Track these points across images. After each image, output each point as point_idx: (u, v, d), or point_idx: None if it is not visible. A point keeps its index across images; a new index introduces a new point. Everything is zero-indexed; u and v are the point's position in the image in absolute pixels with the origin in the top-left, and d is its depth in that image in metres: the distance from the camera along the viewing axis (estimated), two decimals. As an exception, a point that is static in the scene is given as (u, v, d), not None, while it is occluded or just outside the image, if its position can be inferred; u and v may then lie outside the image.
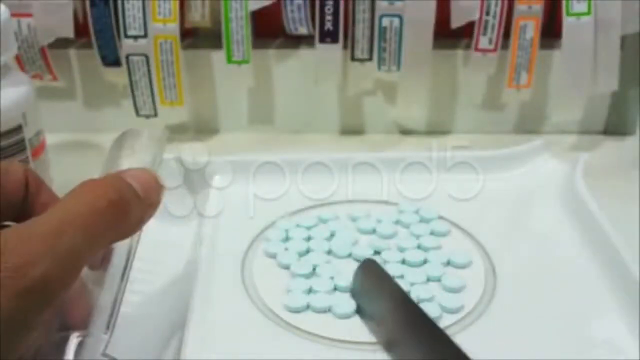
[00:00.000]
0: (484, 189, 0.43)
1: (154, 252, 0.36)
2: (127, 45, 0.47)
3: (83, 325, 0.23)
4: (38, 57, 0.49)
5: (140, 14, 0.47)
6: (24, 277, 0.20)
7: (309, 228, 0.39)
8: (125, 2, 0.46)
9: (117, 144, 0.31)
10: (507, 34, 0.48)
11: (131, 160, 0.29)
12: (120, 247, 0.26)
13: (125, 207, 0.24)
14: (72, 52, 0.52)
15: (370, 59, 0.50)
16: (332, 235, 0.39)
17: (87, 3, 0.47)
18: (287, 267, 0.36)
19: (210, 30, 0.51)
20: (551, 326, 0.32)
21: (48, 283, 0.20)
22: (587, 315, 0.33)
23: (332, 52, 0.49)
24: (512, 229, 0.41)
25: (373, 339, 0.31)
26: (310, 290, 0.34)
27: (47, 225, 0.21)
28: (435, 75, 0.51)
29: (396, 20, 0.48)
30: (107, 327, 0.23)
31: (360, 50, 0.50)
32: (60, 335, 0.22)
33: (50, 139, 0.40)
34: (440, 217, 0.40)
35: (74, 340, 0.22)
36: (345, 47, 0.49)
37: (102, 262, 0.25)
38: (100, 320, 0.23)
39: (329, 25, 0.48)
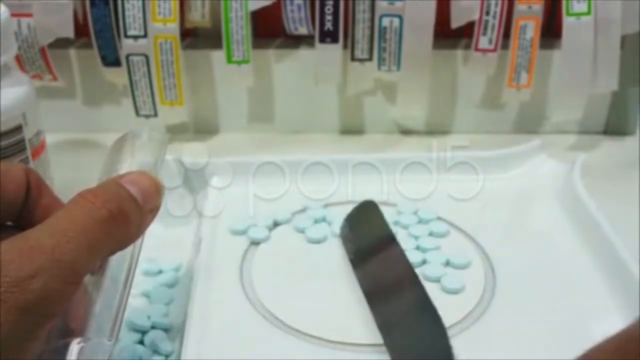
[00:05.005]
0: (483, 190, 0.43)
1: (154, 253, 0.36)
2: (127, 45, 0.47)
3: (83, 329, 0.23)
4: (38, 57, 0.49)
5: (140, 14, 0.47)
6: (24, 291, 0.19)
7: (303, 230, 0.39)
8: (125, 2, 0.46)
9: (116, 145, 0.30)
10: (507, 34, 0.48)
11: (130, 163, 0.28)
12: (121, 251, 0.25)
13: (124, 216, 0.23)
14: (72, 52, 0.52)
15: (370, 59, 0.50)
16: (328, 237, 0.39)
17: (87, 3, 0.47)
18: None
19: (210, 30, 0.51)
20: (550, 326, 0.32)
21: (49, 296, 0.20)
22: (587, 315, 0.33)
23: (332, 52, 0.49)
24: (511, 229, 0.41)
25: (371, 341, 0.31)
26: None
27: (47, 237, 0.21)
28: (435, 75, 0.51)
29: (396, 20, 0.48)
30: (111, 334, 0.23)
31: (360, 50, 0.50)
32: (62, 341, 0.22)
33: (50, 139, 0.40)
34: (439, 218, 0.40)
35: (75, 347, 0.22)
36: (345, 47, 0.49)
37: (100, 266, 0.25)
38: (98, 324, 0.23)
39: (329, 25, 0.48)
